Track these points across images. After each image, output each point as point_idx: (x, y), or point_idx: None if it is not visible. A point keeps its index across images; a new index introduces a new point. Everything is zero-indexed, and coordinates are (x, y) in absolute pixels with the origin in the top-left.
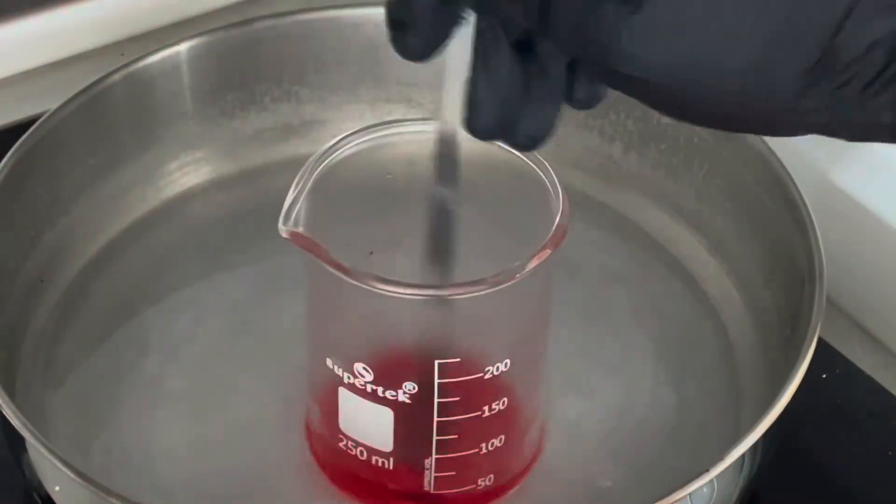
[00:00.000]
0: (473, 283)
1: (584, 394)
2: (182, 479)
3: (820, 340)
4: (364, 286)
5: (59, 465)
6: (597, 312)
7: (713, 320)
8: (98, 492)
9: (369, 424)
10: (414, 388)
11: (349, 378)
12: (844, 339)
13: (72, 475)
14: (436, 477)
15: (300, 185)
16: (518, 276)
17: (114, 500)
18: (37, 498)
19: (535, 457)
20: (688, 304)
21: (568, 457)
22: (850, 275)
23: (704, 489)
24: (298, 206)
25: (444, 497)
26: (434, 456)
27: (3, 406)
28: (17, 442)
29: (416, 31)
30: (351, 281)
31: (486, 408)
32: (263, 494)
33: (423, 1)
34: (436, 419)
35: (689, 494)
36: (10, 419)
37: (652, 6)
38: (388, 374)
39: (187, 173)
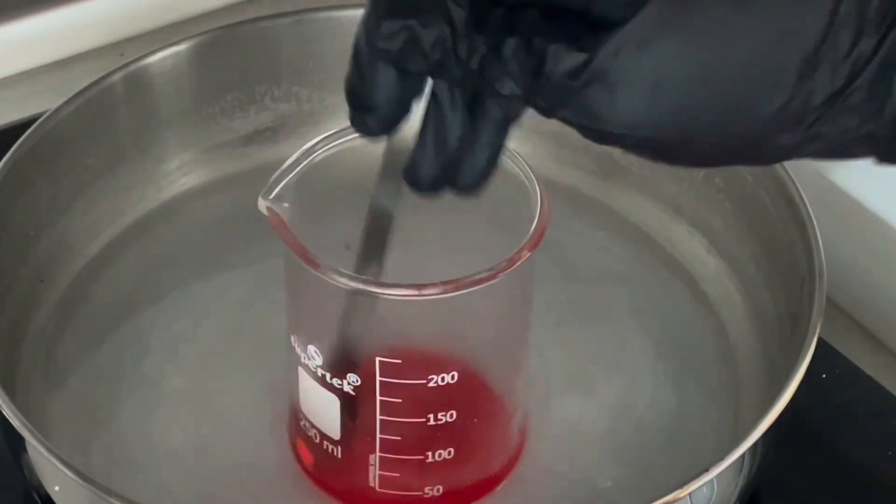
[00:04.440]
0: (439, 284)
1: (584, 394)
2: (182, 479)
3: (820, 340)
4: (318, 274)
5: (59, 465)
6: (597, 312)
7: (713, 320)
8: (98, 492)
9: (321, 408)
10: (357, 381)
11: (304, 358)
12: (844, 339)
13: (72, 475)
14: (380, 475)
15: (287, 166)
16: (484, 282)
17: (114, 500)
18: (37, 498)
19: (508, 469)
20: (688, 304)
21: (568, 457)
22: (850, 275)
23: (704, 489)
24: (282, 184)
25: (390, 497)
26: (378, 453)
27: (3, 406)
28: (17, 442)
29: (376, 114)
30: (307, 267)
31: (431, 416)
32: (264, 494)
33: (384, 87)
34: (378, 417)
35: (689, 494)
36: (10, 419)
37: (627, 70)
38: (335, 362)
39: (187, 173)
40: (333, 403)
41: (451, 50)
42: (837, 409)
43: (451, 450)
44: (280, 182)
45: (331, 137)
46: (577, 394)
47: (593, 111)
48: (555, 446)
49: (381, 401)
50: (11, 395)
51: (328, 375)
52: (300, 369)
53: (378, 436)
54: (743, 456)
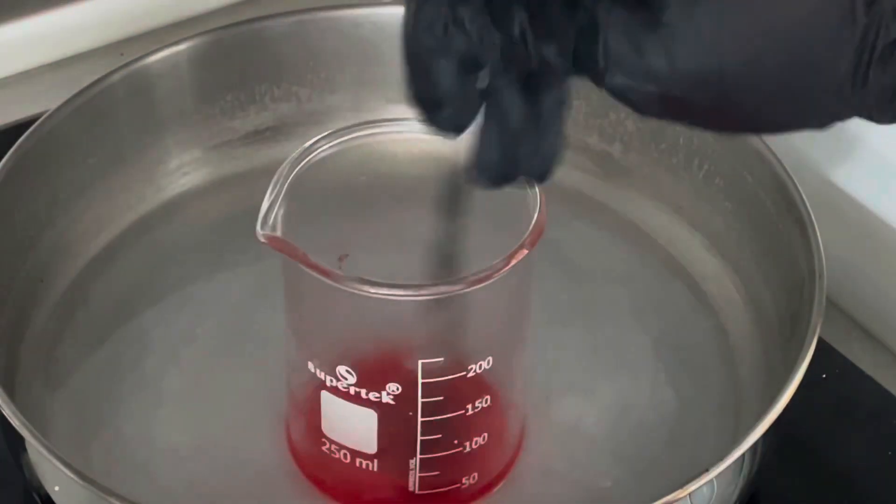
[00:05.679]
0: (453, 282)
1: (584, 394)
2: (181, 479)
3: (820, 340)
4: (345, 288)
5: (59, 465)
6: (597, 312)
7: (713, 320)
8: (98, 492)
9: (353, 427)
10: (398, 389)
11: (332, 381)
12: (844, 339)
13: (72, 475)
14: (420, 477)
15: (276, 189)
16: (497, 274)
17: (114, 500)
18: (37, 498)
19: (516, 455)
20: (688, 304)
21: (568, 457)
22: (850, 275)
23: (704, 489)
24: (276, 210)
25: (429, 497)
26: (418, 456)
27: (3, 406)
28: (17, 442)
29: (448, 107)
30: (332, 283)
31: (469, 406)
32: (264, 494)
33: (447, 77)
34: (420, 419)
35: (689, 494)
36: (10, 419)
37: (691, 20)
38: (371, 376)
39: (187, 173)
40: (369, 418)
41: (489, 20)
42: (837, 409)
43: (486, 434)
44: (273, 210)
45: (331, 137)
46: (577, 394)
47: (652, 72)
48: (554, 446)
49: (422, 403)
50: (11, 395)
51: (364, 391)
52: (324, 393)
53: (419, 438)
54: (743, 456)
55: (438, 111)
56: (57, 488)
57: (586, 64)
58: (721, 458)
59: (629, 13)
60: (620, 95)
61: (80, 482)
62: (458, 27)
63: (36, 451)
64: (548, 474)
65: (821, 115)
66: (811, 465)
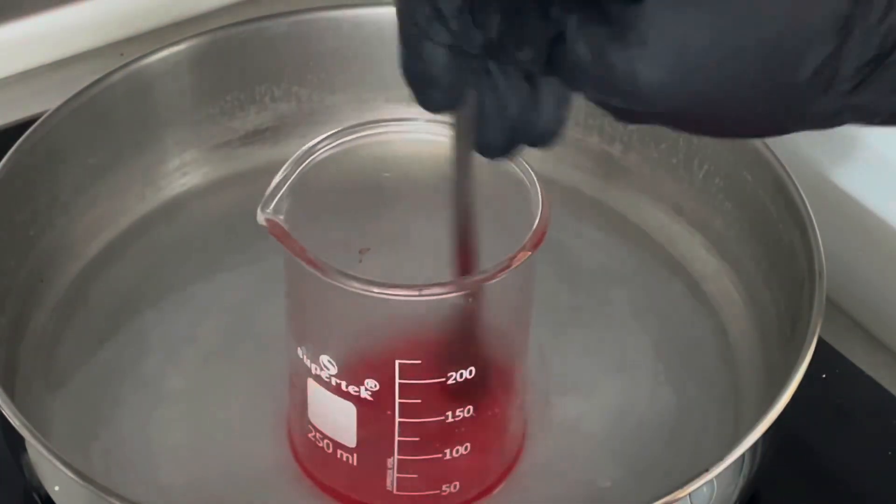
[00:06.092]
0: (448, 284)
1: (584, 394)
2: (181, 479)
3: (820, 340)
4: (329, 280)
5: (59, 465)
6: (597, 312)
7: (713, 320)
8: (98, 492)
9: (334, 418)
10: (376, 386)
11: (316, 369)
12: (844, 339)
13: (71, 475)
14: (398, 478)
15: (283, 176)
16: (497, 276)
17: (113, 500)
18: (37, 498)
19: (509, 469)
20: (688, 304)
21: (568, 457)
22: (850, 275)
23: (704, 489)
24: (279, 195)
25: (408, 499)
26: (396, 456)
27: (3, 406)
28: (17, 442)
29: (438, 87)
30: (317, 274)
31: (449, 413)
32: (264, 494)
33: (437, 60)
34: (397, 419)
35: (689, 494)
36: (10, 419)
37: (654, 38)
38: (351, 369)
39: (187, 173)
40: (349, 411)
41: (470, 20)
42: (837, 409)
43: (468, 444)
44: (276, 194)
45: (331, 138)
46: (577, 394)
47: (617, 85)
48: (555, 446)
49: (400, 403)
50: (11, 395)
51: (344, 384)
52: (310, 381)
53: (396, 438)
54: (743, 456)
55: (427, 90)
56: (57, 488)
57: (558, 72)
58: (721, 458)
59: (595, 28)
60: (594, 102)
61: (80, 482)
62: (441, 22)
63: (36, 451)
64: (548, 474)
65: (794, 128)
66: (811, 465)
